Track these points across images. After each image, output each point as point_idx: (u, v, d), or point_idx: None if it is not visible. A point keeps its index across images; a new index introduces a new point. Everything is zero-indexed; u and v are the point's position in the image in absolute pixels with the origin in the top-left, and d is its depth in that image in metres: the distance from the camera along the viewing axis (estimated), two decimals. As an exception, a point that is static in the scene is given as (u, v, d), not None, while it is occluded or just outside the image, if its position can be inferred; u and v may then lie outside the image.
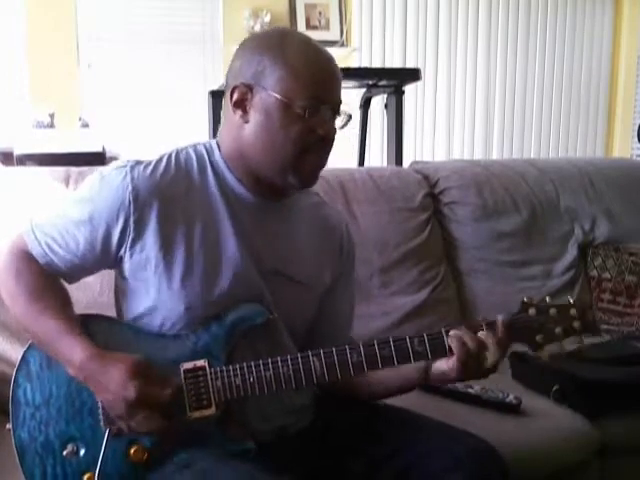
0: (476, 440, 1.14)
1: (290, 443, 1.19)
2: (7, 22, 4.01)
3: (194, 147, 1.20)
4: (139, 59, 4.22)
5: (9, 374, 1.14)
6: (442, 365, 1.12)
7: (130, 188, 1.10)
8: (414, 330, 1.90)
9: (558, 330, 1.11)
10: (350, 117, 1.17)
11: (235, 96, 1.12)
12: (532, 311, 1.11)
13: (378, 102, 3.32)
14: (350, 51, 4.42)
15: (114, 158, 3.45)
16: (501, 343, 1.09)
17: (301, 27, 4.38)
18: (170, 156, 1.17)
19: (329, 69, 1.13)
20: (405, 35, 4.62)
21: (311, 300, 1.25)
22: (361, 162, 3.22)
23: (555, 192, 2.21)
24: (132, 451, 1.08)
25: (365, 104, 3.07)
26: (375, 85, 2.81)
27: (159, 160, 1.15)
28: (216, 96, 2.81)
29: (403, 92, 2.76)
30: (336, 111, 1.14)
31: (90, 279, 1.24)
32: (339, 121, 1.15)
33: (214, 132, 2.86)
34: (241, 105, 1.12)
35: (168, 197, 1.12)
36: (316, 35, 4.14)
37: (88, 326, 1.12)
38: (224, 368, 1.09)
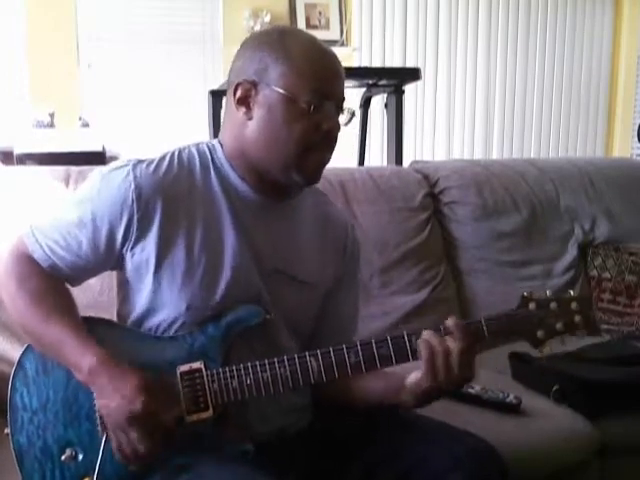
0: (476, 440, 1.13)
1: (289, 444, 1.18)
2: (7, 22, 4.01)
3: (197, 146, 1.19)
4: (139, 59, 4.22)
5: (9, 374, 1.14)
6: (417, 374, 1.09)
7: (133, 186, 1.09)
8: (414, 330, 1.90)
9: (559, 325, 1.09)
10: (354, 114, 1.16)
11: (238, 93, 1.11)
12: (532, 305, 1.10)
13: (378, 102, 3.32)
14: (350, 51, 4.42)
15: (114, 158, 3.45)
16: (463, 346, 1.05)
17: (301, 27, 4.38)
18: (173, 154, 1.16)
19: (332, 65, 1.13)
20: (405, 35, 4.62)
21: (313, 299, 1.24)
22: (361, 162, 3.22)
23: (555, 192, 2.21)
24: None
25: (365, 104, 3.07)
26: (375, 85, 2.81)
27: (162, 158, 1.14)
28: (216, 96, 2.81)
29: (403, 92, 2.76)
30: (340, 107, 1.13)
31: (91, 279, 1.24)
32: (343, 118, 1.15)
33: (214, 132, 2.86)
34: (244, 102, 1.11)
35: (171, 195, 1.11)
36: (316, 35, 4.14)
37: (87, 329, 1.11)
38: (220, 370, 1.08)
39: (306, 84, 1.08)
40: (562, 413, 1.59)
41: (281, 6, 4.41)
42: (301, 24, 4.41)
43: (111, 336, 1.13)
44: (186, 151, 1.17)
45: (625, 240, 2.20)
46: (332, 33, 4.46)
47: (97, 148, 3.46)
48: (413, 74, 2.82)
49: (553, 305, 1.09)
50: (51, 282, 1.12)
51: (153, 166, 1.12)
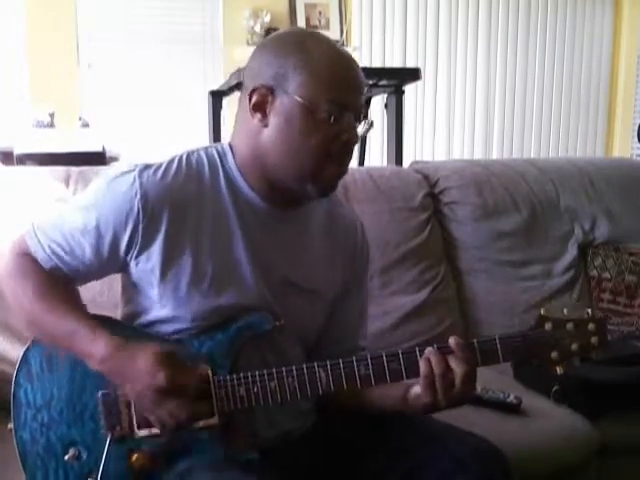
0: (480, 441, 1.13)
1: (293, 447, 1.17)
2: (7, 22, 4.01)
3: (205, 150, 1.15)
4: (139, 59, 4.23)
5: (10, 374, 1.14)
6: (417, 388, 1.08)
7: (139, 195, 1.06)
8: (414, 330, 1.90)
9: (574, 347, 1.05)
10: (372, 124, 1.15)
11: (254, 98, 1.07)
12: (548, 326, 1.06)
13: (378, 102, 3.32)
14: (350, 51, 4.39)
15: (114, 158, 3.45)
16: (463, 364, 1.04)
17: (301, 27, 4.38)
18: (181, 158, 1.13)
19: (354, 74, 1.10)
20: (405, 35, 4.62)
21: (322, 307, 1.23)
22: (361, 162, 3.22)
23: (555, 192, 2.21)
24: (133, 458, 1.07)
25: (365, 104, 3.07)
26: (375, 85, 2.81)
27: (170, 162, 1.11)
28: (216, 96, 2.81)
29: (403, 92, 2.76)
30: (358, 117, 1.11)
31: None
32: (360, 128, 1.12)
33: (214, 132, 2.86)
34: (260, 108, 1.07)
35: (178, 202, 1.08)
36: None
37: None
38: (228, 377, 1.07)
39: (326, 94, 1.05)
40: (562, 413, 1.59)
41: (281, 6, 4.41)
42: (301, 24, 4.41)
43: (117, 334, 1.11)
44: (195, 155, 1.14)
45: (625, 240, 2.19)
46: (332, 33, 4.46)
47: (97, 148, 3.46)
48: (413, 74, 2.81)
49: (570, 326, 1.06)
50: (53, 277, 1.11)
51: (161, 172, 1.09)
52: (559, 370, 1.07)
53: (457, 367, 1.03)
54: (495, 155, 4.85)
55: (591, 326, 1.06)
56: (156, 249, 1.08)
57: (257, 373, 1.06)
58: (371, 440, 1.18)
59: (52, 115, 3.63)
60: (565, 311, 1.08)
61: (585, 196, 2.24)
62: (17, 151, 3.31)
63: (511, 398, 1.56)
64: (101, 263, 1.10)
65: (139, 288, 1.13)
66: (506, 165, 2.28)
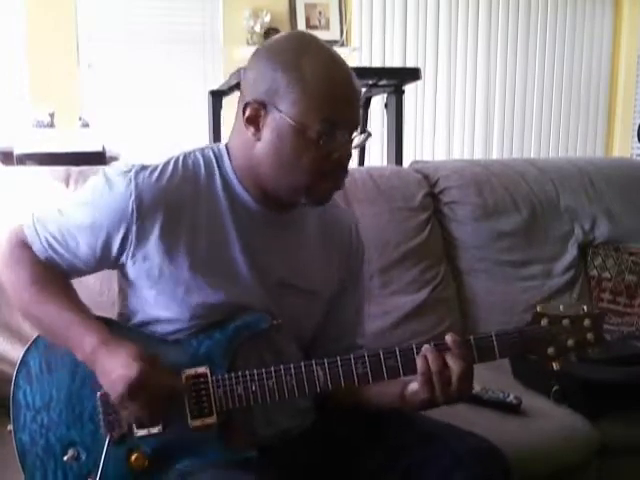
0: (478, 440, 1.13)
1: (292, 445, 1.18)
2: (7, 22, 4.01)
3: (202, 151, 1.16)
4: (139, 59, 4.22)
5: (10, 374, 1.14)
6: (414, 385, 1.09)
7: (134, 196, 1.07)
8: (414, 330, 1.90)
9: (570, 342, 1.07)
10: (369, 135, 1.13)
11: (248, 112, 1.07)
12: (544, 321, 1.07)
13: (378, 102, 3.32)
14: (350, 51, 4.42)
15: (114, 158, 3.45)
16: (460, 361, 1.04)
17: (301, 27, 4.38)
18: (177, 160, 1.14)
19: (347, 89, 1.08)
20: (405, 35, 4.62)
21: (319, 307, 1.23)
22: (361, 162, 3.22)
23: (555, 192, 2.21)
24: (133, 458, 1.08)
25: (365, 104, 3.07)
26: (375, 85, 2.81)
27: (166, 164, 1.13)
28: (216, 96, 2.81)
29: (403, 92, 2.76)
30: (353, 131, 1.09)
31: (90, 279, 1.24)
32: (358, 139, 1.11)
33: (214, 132, 2.86)
34: (254, 122, 1.07)
35: (174, 204, 1.09)
36: (316, 35, 4.14)
37: None
38: (226, 376, 1.07)
39: (318, 113, 1.04)
40: (562, 413, 1.59)
41: (281, 6, 4.41)
42: (301, 24, 4.40)
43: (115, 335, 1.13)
44: (191, 156, 1.15)
45: (625, 240, 2.19)
46: (332, 33, 4.46)
47: (97, 148, 3.46)
48: (413, 74, 2.81)
49: (566, 322, 1.08)
50: (49, 268, 1.13)
51: (156, 173, 1.10)
52: (555, 366, 1.08)
53: (454, 364, 1.04)
54: (495, 155, 4.85)
55: (587, 322, 1.07)
56: (152, 249, 1.09)
57: (255, 372, 1.07)
58: (370, 438, 1.18)
59: (52, 115, 3.63)
60: (561, 308, 1.09)
61: (585, 196, 2.24)
62: (17, 151, 3.31)
63: (511, 398, 1.56)
64: (95, 259, 1.12)
65: (136, 288, 1.13)
66: (506, 165, 2.28)
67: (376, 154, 4.37)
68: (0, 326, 1.50)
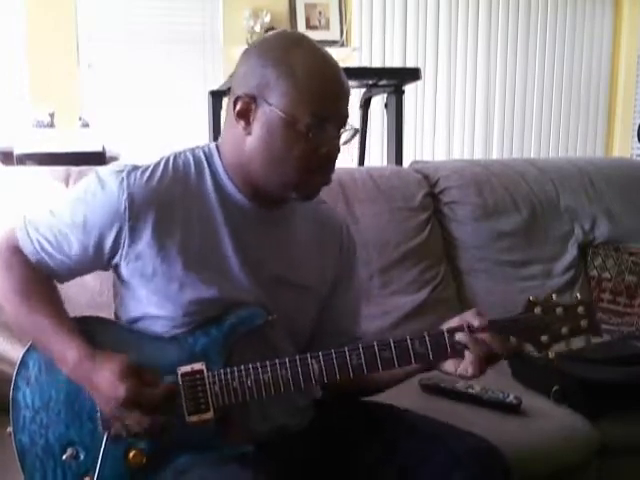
0: (477, 440, 1.13)
1: (290, 442, 1.18)
2: (7, 22, 4.01)
3: (192, 151, 1.18)
4: (139, 59, 4.22)
5: (10, 374, 1.14)
6: (449, 367, 1.11)
7: (126, 194, 1.08)
8: (414, 330, 1.90)
9: (564, 330, 1.08)
10: (356, 131, 1.16)
11: (238, 106, 1.09)
12: (538, 310, 1.09)
13: (378, 102, 3.32)
14: (350, 51, 4.42)
15: (114, 158, 3.45)
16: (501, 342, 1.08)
17: (301, 27, 4.38)
18: (168, 160, 1.15)
19: (336, 85, 1.10)
20: (405, 35, 4.62)
21: (314, 303, 1.24)
22: (361, 162, 3.22)
23: (555, 192, 2.21)
24: (131, 455, 1.08)
25: (365, 104, 3.07)
26: (375, 85, 2.81)
27: (157, 164, 1.14)
28: (216, 96, 2.81)
29: (403, 92, 2.76)
30: (341, 126, 1.11)
31: (89, 279, 1.24)
32: (345, 135, 1.13)
33: (214, 132, 2.86)
34: (244, 116, 1.09)
35: (165, 203, 1.10)
36: (316, 35, 4.14)
37: (86, 328, 1.11)
38: (222, 371, 1.08)
39: (307, 106, 1.06)
40: (562, 413, 1.59)
41: (281, 6, 4.41)
42: (301, 24, 4.40)
43: (110, 335, 1.14)
44: (182, 156, 1.17)
45: (625, 240, 2.20)
46: (332, 33, 4.46)
47: (97, 148, 3.46)
48: (413, 74, 2.82)
49: (559, 310, 1.09)
50: (38, 275, 1.13)
51: (147, 173, 1.12)
52: (550, 354, 1.09)
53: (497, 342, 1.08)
54: (495, 155, 4.85)
55: (580, 309, 1.09)
56: (145, 248, 1.09)
57: (250, 366, 1.08)
58: (368, 435, 1.18)
59: (52, 115, 3.63)
60: (554, 297, 1.11)
61: (585, 196, 2.24)
62: (17, 151, 3.31)
63: (511, 398, 1.56)
64: (87, 259, 1.12)
65: (130, 287, 1.14)
66: (506, 165, 2.29)
67: (376, 154, 4.37)
68: (0, 326, 1.50)
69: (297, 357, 1.09)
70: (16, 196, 1.66)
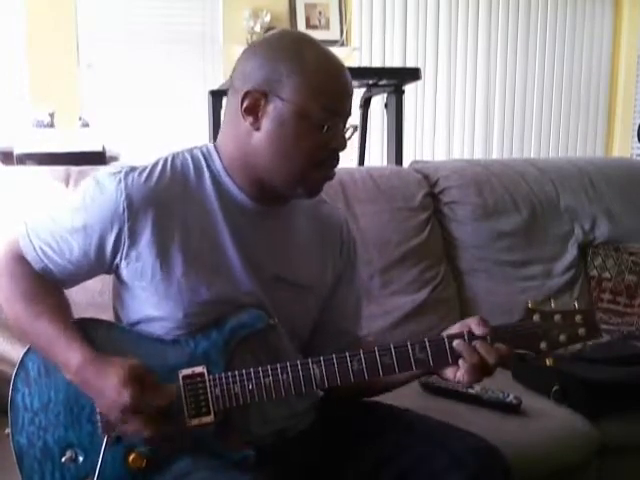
0: (477, 440, 1.13)
1: (290, 445, 1.18)
2: (7, 22, 4.01)
3: (190, 151, 1.17)
4: (139, 59, 4.22)
5: (9, 375, 1.14)
6: (449, 373, 1.10)
7: (124, 196, 1.08)
8: (414, 330, 1.90)
9: (562, 337, 1.09)
10: (355, 129, 1.16)
11: (247, 102, 1.08)
12: (536, 317, 1.09)
13: (378, 102, 3.32)
14: (350, 51, 4.42)
15: (114, 158, 3.45)
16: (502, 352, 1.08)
17: (301, 27, 4.39)
18: (166, 161, 1.14)
19: (345, 81, 1.11)
20: (405, 35, 4.62)
21: (314, 302, 1.24)
22: (361, 161, 3.22)
23: (555, 192, 2.21)
24: (130, 458, 1.07)
25: (365, 104, 3.07)
26: (375, 84, 2.81)
27: (154, 165, 1.13)
28: (216, 96, 2.81)
29: (403, 92, 2.76)
30: (346, 123, 1.13)
31: (90, 280, 1.24)
32: (349, 132, 1.14)
33: (214, 132, 2.86)
34: (253, 112, 1.08)
35: (164, 204, 1.10)
36: (316, 35, 4.12)
37: (86, 330, 1.10)
38: (223, 375, 1.07)
39: (320, 100, 1.07)
40: (562, 413, 1.59)
41: (281, 6, 4.41)
42: (301, 24, 4.41)
43: (112, 338, 1.13)
44: (180, 157, 1.16)
45: (625, 240, 2.20)
46: (332, 33, 4.46)
47: (97, 148, 3.46)
48: (413, 74, 2.82)
49: (557, 318, 1.09)
50: (42, 282, 1.13)
51: (145, 174, 1.11)
52: (549, 362, 1.09)
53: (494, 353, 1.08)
54: (495, 155, 4.85)
55: (578, 317, 1.09)
56: (145, 248, 1.09)
57: (252, 370, 1.07)
58: (368, 435, 1.18)
59: (52, 115, 3.63)
60: (552, 303, 1.11)
61: (585, 196, 2.24)
62: (17, 151, 3.31)
63: (511, 398, 1.56)
64: (89, 263, 1.12)
65: (130, 288, 1.13)
66: (506, 165, 2.28)
67: (376, 154, 4.37)
68: (0, 326, 1.50)
69: (298, 362, 1.08)
70: (16, 196, 1.66)
